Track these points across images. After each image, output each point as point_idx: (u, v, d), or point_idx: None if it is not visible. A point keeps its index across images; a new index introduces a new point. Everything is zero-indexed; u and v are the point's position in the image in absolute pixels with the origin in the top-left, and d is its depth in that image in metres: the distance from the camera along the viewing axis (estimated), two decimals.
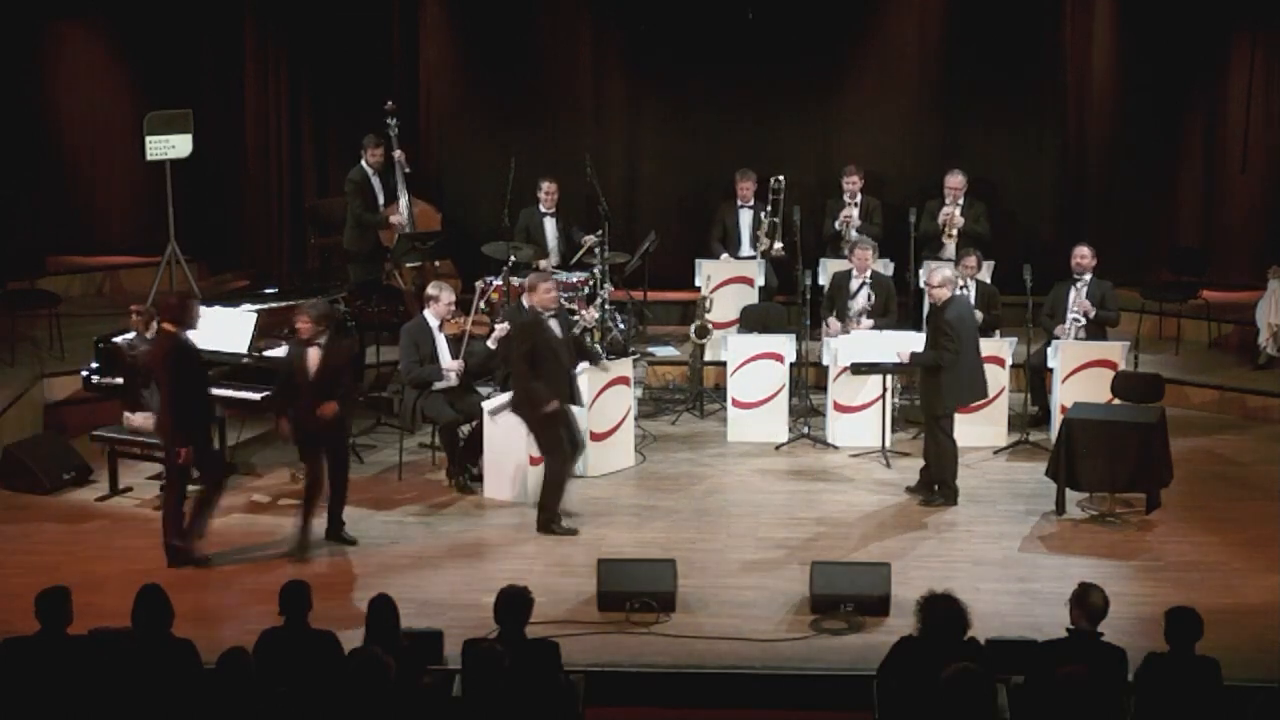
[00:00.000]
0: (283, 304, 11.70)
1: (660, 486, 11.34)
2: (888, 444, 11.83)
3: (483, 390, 11.58)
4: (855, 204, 13.78)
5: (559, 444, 10.51)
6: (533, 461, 10.94)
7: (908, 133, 14.72)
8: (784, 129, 14.72)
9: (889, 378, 11.80)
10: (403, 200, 13.52)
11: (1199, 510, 10.91)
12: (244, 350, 11.23)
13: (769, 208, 13.51)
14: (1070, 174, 14.80)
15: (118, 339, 11.36)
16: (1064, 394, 11.78)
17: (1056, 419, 11.65)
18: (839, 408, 12.07)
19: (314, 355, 10.12)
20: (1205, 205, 14.72)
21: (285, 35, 14.86)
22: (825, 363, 12.17)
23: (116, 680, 7.20)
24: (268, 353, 11.27)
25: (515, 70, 14.82)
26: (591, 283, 12.94)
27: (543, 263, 13.14)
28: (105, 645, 7.51)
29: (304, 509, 10.22)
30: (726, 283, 13.26)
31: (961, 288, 11.74)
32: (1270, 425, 12.52)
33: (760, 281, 13.42)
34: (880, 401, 11.85)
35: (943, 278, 10.80)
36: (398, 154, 13.50)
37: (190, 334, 9.93)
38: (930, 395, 10.89)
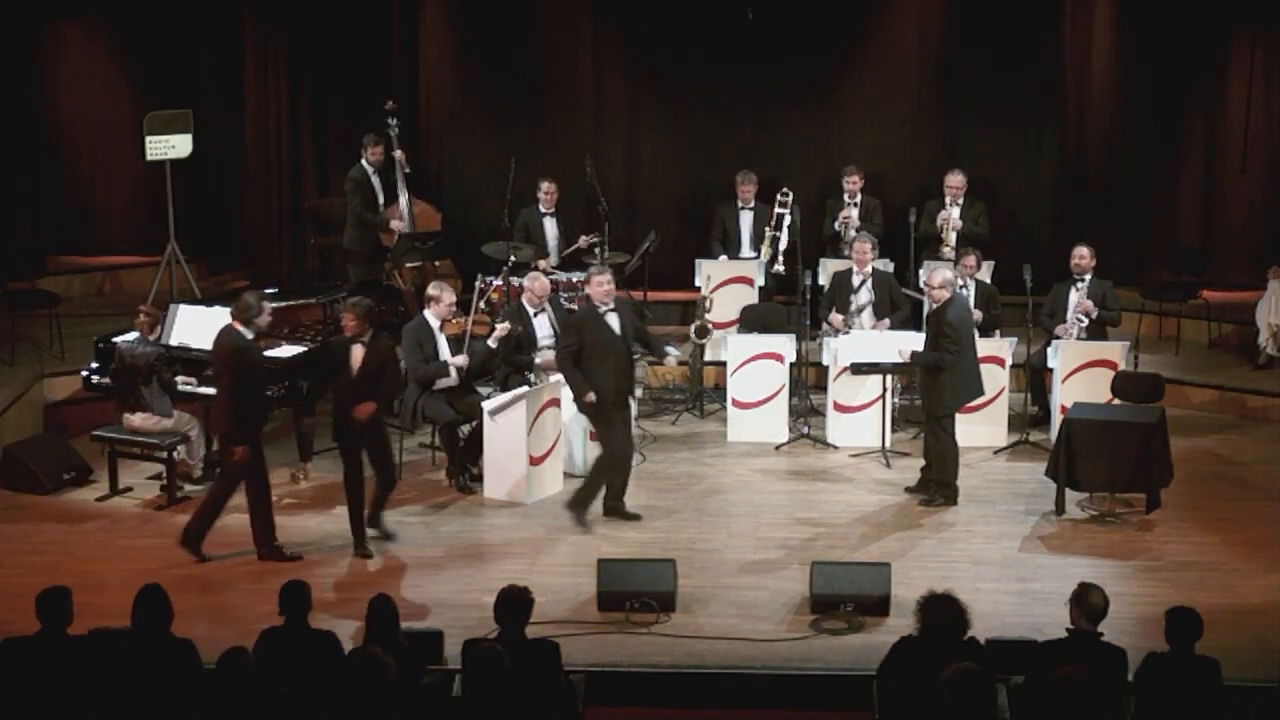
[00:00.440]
0: (283, 304, 11.69)
1: (660, 486, 11.34)
2: (888, 444, 11.82)
3: (483, 390, 11.58)
4: (856, 204, 13.78)
5: (608, 440, 10.58)
6: (533, 461, 10.94)
7: (908, 133, 14.72)
8: (784, 129, 14.72)
9: (889, 378, 11.80)
10: (403, 200, 13.53)
11: (1199, 510, 10.91)
12: None
13: (773, 220, 13.48)
14: (1070, 174, 14.80)
15: (118, 339, 11.35)
16: (1064, 394, 11.78)
17: (1056, 419, 11.65)
18: (839, 408, 12.07)
19: (358, 353, 10.13)
20: (1205, 205, 14.72)
21: (285, 35, 14.87)
22: (825, 363, 12.17)
23: (116, 680, 7.20)
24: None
25: (515, 70, 14.83)
26: None
27: (542, 263, 13.15)
28: (105, 645, 7.51)
29: (349, 506, 10.22)
30: (726, 283, 13.26)
31: (961, 287, 11.75)
32: (1270, 425, 12.51)
33: (760, 282, 13.42)
34: (880, 401, 11.85)
35: (942, 279, 10.80)
36: (398, 154, 13.50)
37: (256, 334, 10.01)
38: (931, 395, 10.89)
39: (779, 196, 13.43)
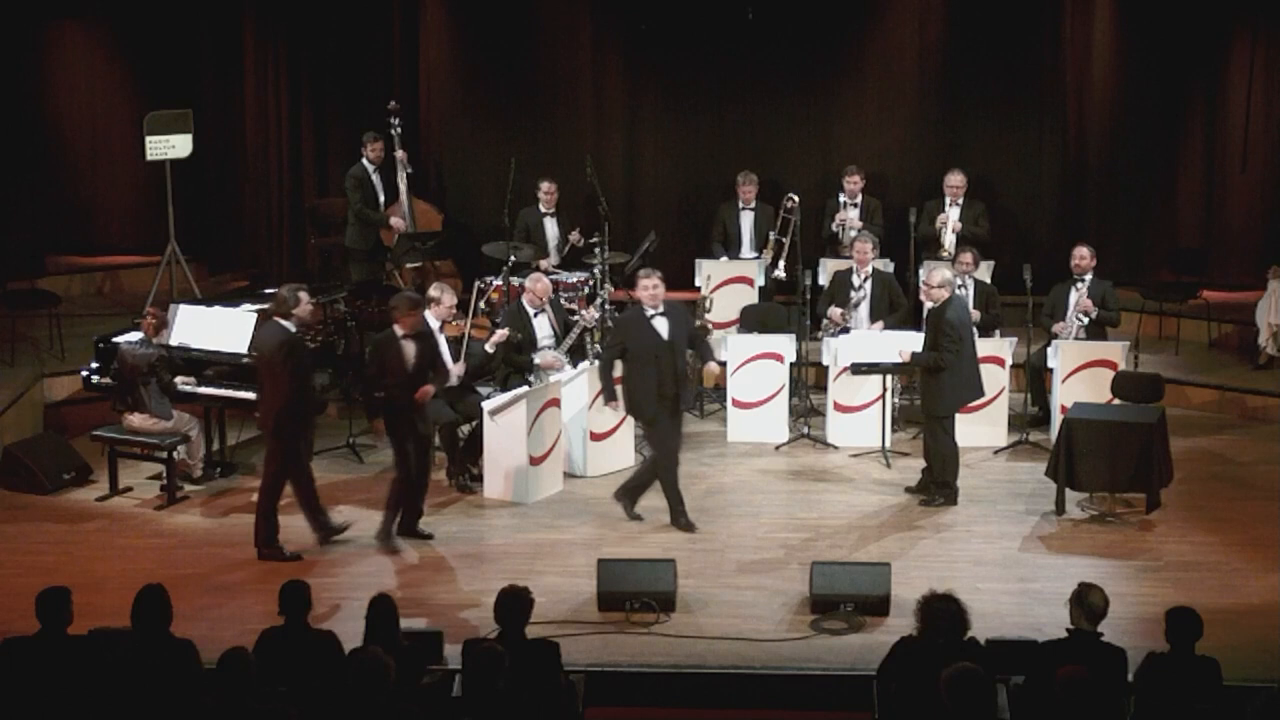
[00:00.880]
0: None
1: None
2: (888, 444, 11.82)
3: (483, 390, 11.58)
4: (856, 205, 13.78)
5: (652, 442, 10.58)
6: (533, 461, 10.94)
7: (908, 133, 14.72)
8: (784, 129, 14.72)
9: (889, 378, 11.80)
10: (404, 200, 13.53)
11: (1199, 510, 10.91)
12: (244, 350, 11.21)
13: (778, 224, 13.47)
14: (1070, 174, 14.79)
15: (119, 339, 11.35)
16: (1064, 394, 11.78)
17: (1056, 419, 11.65)
18: (839, 408, 12.07)
19: (410, 348, 10.11)
20: (1205, 205, 14.71)
21: (285, 35, 14.86)
22: (825, 363, 12.17)
23: (116, 680, 7.20)
24: None
25: (515, 70, 14.82)
26: (591, 283, 12.94)
27: (543, 263, 13.16)
28: (105, 645, 7.52)
29: (391, 502, 10.22)
30: (726, 283, 13.25)
31: (960, 287, 11.75)
32: (1270, 425, 12.50)
33: (760, 282, 13.42)
34: (880, 401, 11.85)
35: (942, 279, 10.80)
36: (399, 154, 13.51)
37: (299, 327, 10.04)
38: (931, 396, 10.88)
39: (785, 203, 13.41)
